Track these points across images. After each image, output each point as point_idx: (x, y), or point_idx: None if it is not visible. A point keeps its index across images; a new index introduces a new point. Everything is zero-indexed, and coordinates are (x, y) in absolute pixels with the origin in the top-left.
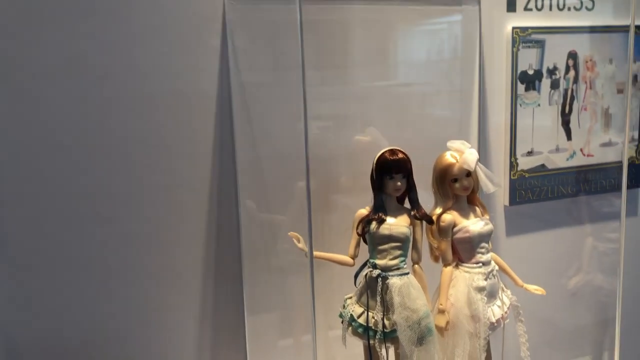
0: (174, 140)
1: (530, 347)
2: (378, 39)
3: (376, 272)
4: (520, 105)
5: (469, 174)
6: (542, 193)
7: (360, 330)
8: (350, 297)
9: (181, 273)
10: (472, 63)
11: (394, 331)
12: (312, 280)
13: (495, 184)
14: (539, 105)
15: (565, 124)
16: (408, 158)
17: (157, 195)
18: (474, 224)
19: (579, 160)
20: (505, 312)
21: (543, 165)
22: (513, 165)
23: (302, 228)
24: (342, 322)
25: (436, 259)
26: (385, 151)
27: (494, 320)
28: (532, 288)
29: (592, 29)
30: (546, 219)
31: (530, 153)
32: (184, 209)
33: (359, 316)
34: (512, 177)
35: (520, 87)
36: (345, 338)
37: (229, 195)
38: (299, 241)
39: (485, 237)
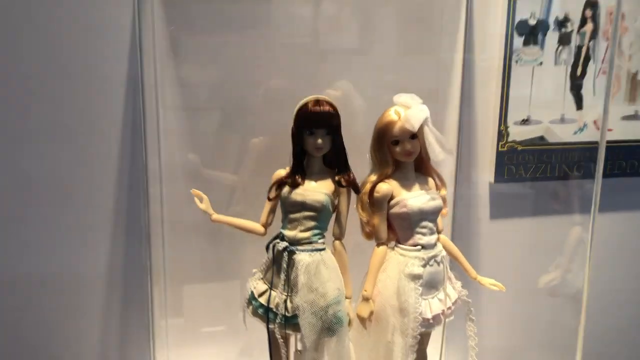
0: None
1: (489, 350)
2: None
3: (283, 244)
4: (517, 62)
5: (414, 135)
6: (539, 171)
7: (260, 311)
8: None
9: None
10: (457, 6)
11: (296, 316)
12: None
13: (446, 151)
14: (541, 63)
15: (576, 89)
16: (336, 112)
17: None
18: (414, 198)
19: (590, 135)
20: (449, 308)
21: (542, 138)
22: (502, 134)
23: (253, 189)
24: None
25: (368, 236)
26: (309, 100)
27: (429, 315)
28: (488, 282)
29: None
30: (540, 203)
31: (525, 121)
32: None
33: (260, 294)
34: (500, 148)
35: (518, 40)
36: (245, 319)
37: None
38: (201, 200)
39: (428, 214)
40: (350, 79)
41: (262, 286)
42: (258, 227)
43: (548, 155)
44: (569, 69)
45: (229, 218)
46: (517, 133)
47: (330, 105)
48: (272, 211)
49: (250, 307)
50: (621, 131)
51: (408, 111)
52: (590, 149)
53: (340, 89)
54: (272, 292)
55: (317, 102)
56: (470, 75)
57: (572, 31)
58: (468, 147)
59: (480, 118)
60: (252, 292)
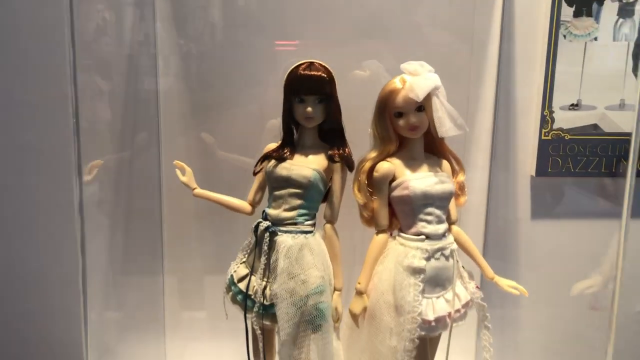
0: None
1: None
2: None
3: (265, 224)
4: (565, 37)
5: (420, 107)
6: (591, 165)
7: (239, 298)
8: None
9: None
10: None
11: (274, 305)
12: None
13: (457, 126)
14: (595, 39)
15: None
16: (330, 76)
17: None
18: (418, 179)
19: None
20: (458, 311)
21: (595, 126)
22: (546, 120)
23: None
24: None
25: (367, 223)
26: (301, 63)
27: (431, 317)
28: (507, 284)
29: None
30: (590, 203)
31: (575, 106)
32: None
33: (240, 279)
34: (542, 136)
35: (567, 11)
36: (225, 306)
37: None
38: (183, 173)
39: (435, 199)
40: (378, 57)
41: (243, 270)
42: (245, 205)
43: (603, 148)
44: (632, 46)
45: (212, 194)
46: (565, 119)
47: (324, 69)
48: (261, 188)
49: (230, 294)
50: None
51: (413, 79)
52: None
53: (368, 69)
54: (253, 277)
55: (309, 65)
56: (509, 51)
57: (636, 1)
58: (505, 134)
59: (521, 100)
60: (231, 277)
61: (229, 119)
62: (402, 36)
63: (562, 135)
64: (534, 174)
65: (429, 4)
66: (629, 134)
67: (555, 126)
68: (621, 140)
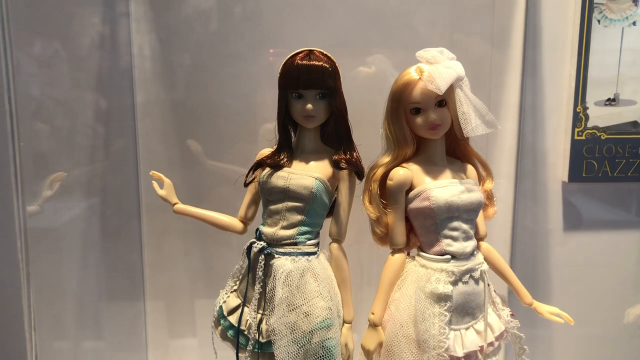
0: None
1: None
2: None
3: (259, 244)
4: (599, 21)
5: (442, 102)
6: (630, 168)
7: (230, 333)
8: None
9: None
10: None
11: (271, 343)
12: None
13: (486, 123)
14: (634, 23)
15: None
16: (333, 66)
17: None
18: (441, 188)
19: None
20: (491, 344)
21: (635, 124)
22: (579, 118)
23: None
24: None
25: (381, 240)
26: (299, 52)
27: (460, 353)
28: (548, 311)
29: None
30: (632, 211)
31: (612, 101)
32: None
33: (231, 312)
34: (575, 136)
35: None
36: (214, 342)
37: None
38: (161, 186)
39: (461, 211)
40: (388, 49)
41: (233, 300)
42: (235, 222)
43: None
44: None
45: (196, 210)
46: (601, 117)
47: (326, 58)
48: (254, 202)
49: (219, 328)
50: None
51: (432, 67)
52: None
53: (373, 65)
54: (246, 308)
55: (308, 53)
56: (535, 39)
57: None
58: (533, 134)
59: (549, 96)
60: (220, 308)
61: (217, 124)
62: (417, 26)
63: (598, 134)
64: (566, 179)
65: None
66: None
67: (589, 124)
68: None
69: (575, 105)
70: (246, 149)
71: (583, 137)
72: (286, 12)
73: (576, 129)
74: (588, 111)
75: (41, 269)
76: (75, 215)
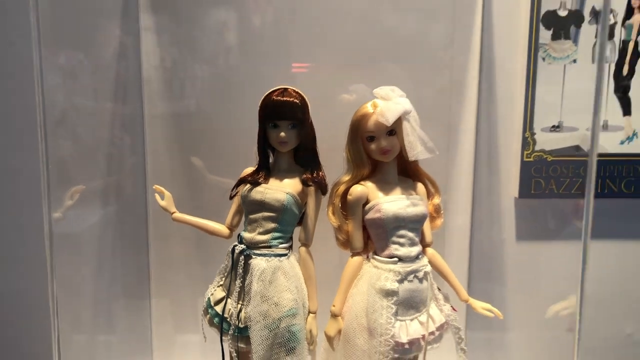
0: None
1: None
2: None
3: (240, 247)
4: (544, 59)
5: (392, 131)
6: (574, 186)
7: (216, 320)
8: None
9: None
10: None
11: (248, 328)
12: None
13: (427, 149)
14: (574, 61)
15: (622, 90)
16: (303, 102)
17: None
18: (390, 202)
19: None
20: (432, 333)
21: (578, 147)
22: (527, 142)
23: None
24: None
25: (343, 246)
26: (276, 89)
27: (404, 340)
28: (481, 307)
29: None
30: (572, 223)
31: (556, 128)
32: None
33: (217, 302)
34: (525, 158)
35: (545, 34)
36: (203, 329)
37: None
38: (162, 197)
39: (407, 222)
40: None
41: (219, 293)
42: (222, 228)
43: (586, 169)
44: (613, 68)
45: (191, 218)
46: (547, 141)
47: (298, 95)
48: (238, 212)
49: (207, 316)
50: None
51: (384, 103)
52: None
53: (354, 93)
54: (229, 300)
55: (282, 91)
56: (489, 74)
57: (615, 23)
58: (487, 156)
59: (502, 123)
60: (209, 299)
61: (218, 143)
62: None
63: (544, 156)
64: (517, 195)
65: (409, 28)
66: (613, 155)
67: (537, 148)
68: (605, 161)
69: (525, 131)
70: (244, 165)
71: (532, 159)
72: (293, 29)
73: (525, 152)
74: (536, 136)
75: (63, 270)
76: (93, 222)
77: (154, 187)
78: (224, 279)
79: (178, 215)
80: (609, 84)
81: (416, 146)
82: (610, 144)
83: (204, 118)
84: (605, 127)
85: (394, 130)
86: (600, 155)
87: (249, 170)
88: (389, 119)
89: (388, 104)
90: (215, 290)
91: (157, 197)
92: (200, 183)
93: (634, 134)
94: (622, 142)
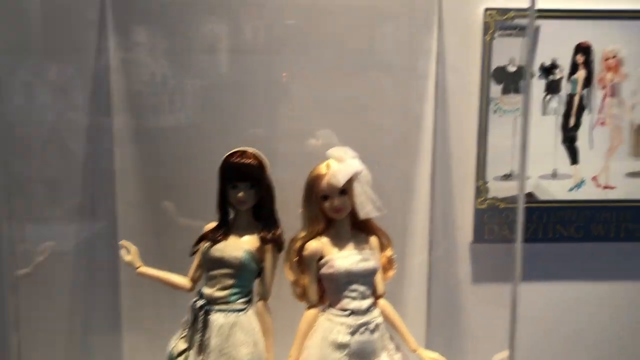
0: None
1: None
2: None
3: (200, 302)
4: (495, 112)
5: (344, 191)
6: (528, 231)
7: None
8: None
9: None
10: (428, 52)
11: None
12: None
13: (377, 208)
14: None
15: (569, 141)
16: (260, 164)
17: None
18: (342, 258)
19: (590, 192)
20: None
21: (530, 195)
22: (480, 190)
23: None
24: None
25: (300, 298)
26: (235, 152)
27: None
28: (429, 356)
29: (617, 15)
30: (530, 267)
31: (508, 176)
32: None
33: (179, 354)
34: (478, 205)
35: (496, 89)
36: None
37: None
38: (128, 252)
39: (358, 276)
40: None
41: (182, 345)
42: (185, 282)
43: (539, 215)
44: (560, 120)
45: (155, 272)
46: (500, 189)
47: (255, 157)
48: (200, 266)
49: None
50: (627, 190)
51: (335, 165)
52: (591, 208)
53: (321, 138)
54: (190, 352)
55: (242, 154)
56: (444, 126)
57: (561, 78)
58: (442, 204)
59: (456, 173)
60: (172, 351)
61: (189, 188)
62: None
63: (497, 204)
64: (471, 240)
65: (363, 78)
66: (563, 201)
67: (489, 195)
68: (555, 208)
69: (478, 179)
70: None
71: (485, 206)
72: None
73: (478, 199)
74: (488, 185)
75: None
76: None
77: (120, 242)
78: (186, 331)
79: (143, 269)
80: (557, 134)
81: (366, 205)
82: (559, 191)
83: (174, 168)
84: (555, 175)
85: (346, 189)
86: (550, 202)
87: (211, 225)
88: (340, 181)
89: (340, 165)
90: (177, 342)
91: (124, 252)
92: (171, 230)
93: (582, 181)
94: (570, 189)
